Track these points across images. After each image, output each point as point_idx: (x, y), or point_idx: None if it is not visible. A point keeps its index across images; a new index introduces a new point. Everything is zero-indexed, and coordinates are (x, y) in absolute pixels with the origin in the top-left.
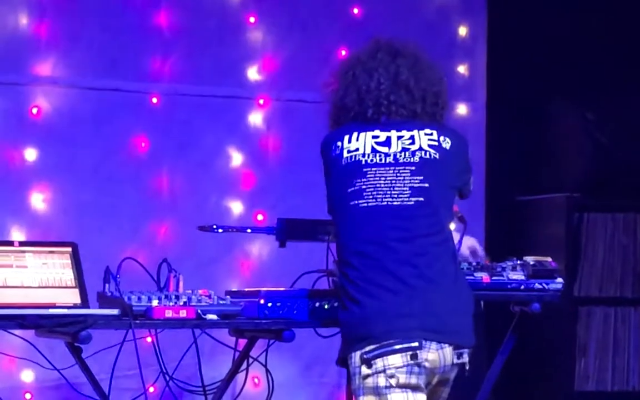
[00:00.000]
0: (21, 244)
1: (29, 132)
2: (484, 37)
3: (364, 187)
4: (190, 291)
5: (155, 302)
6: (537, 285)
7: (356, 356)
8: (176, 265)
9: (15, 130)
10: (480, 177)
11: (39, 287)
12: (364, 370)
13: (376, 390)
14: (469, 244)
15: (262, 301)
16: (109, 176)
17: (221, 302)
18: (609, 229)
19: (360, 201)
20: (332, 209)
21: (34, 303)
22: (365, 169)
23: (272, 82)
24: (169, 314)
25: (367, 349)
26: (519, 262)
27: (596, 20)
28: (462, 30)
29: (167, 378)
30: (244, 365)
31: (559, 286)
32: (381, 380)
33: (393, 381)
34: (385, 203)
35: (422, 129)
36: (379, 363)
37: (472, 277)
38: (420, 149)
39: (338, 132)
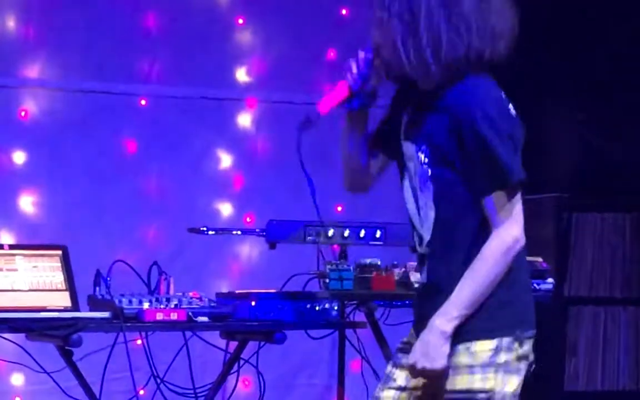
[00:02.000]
0: (11, 247)
1: (17, 134)
2: None
3: None
4: (180, 293)
5: (146, 305)
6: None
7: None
8: (166, 267)
9: (4, 133)
10: None
11: (30, 290)
12: (520, 351)
13: (519, 372)
14: None
15: (253, 303)
16: (98, 179)
17: (212, 304)
18: (598, 229)
19: None
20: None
21: (24, 306)
22: None
23: (261, 83)
24: (160, 316)
25: (529, 333)
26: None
27: (585, 20)
28: None
29: (158, 381)
30: (235, 368)
31: (550, 286)
32: (524, 365)
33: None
34: None
35: None
36: (527, 346)
37: None
38: None
39: (496, 84)
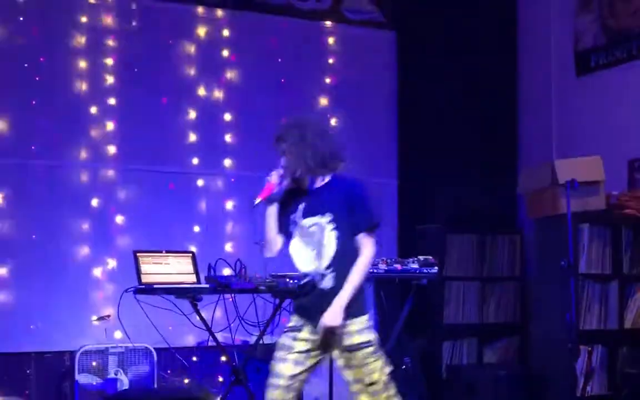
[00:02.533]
0: (166, 252)
1: None
2: (395, 130)
3: None
4: (251, 275)
5: (233, 280)
6: (424, 271)
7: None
8: (245, 261)
9: None
10: (396, 217)
11: (177, 273)
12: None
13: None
14: None
15: (287, 279)
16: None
17: (267, 279)
18: (460, 243)
19: None
20: None
21: (174, 281)
22: None
23: None
24: (240, 286)
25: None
26: (416, 258)
27: (458, 123)
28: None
29: (240, 318)
30: (279, 312)
31: (436, 271)
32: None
33: None
34: None
35: None
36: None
37: (391, 266)
38: None
39: None
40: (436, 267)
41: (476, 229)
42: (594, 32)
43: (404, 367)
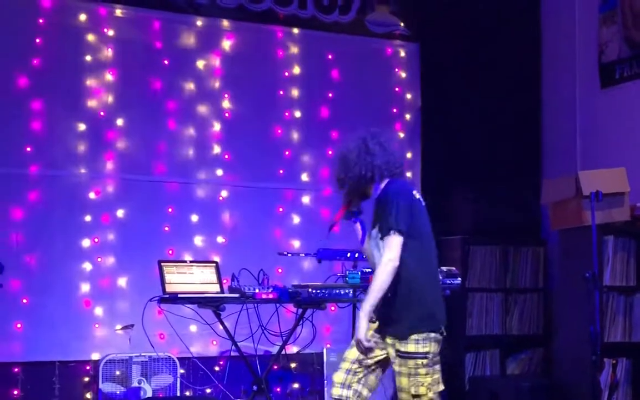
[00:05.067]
0: (190, 262)
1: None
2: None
3: None
4: (274, 285)
5: (257, 290)
6: (447, 282)
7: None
8: (267, 271)
9: None
10: None
11: (200, 283)
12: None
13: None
14: None
15: (310, 289)
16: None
17: (290, 290)
18: (483, 254)
19: None
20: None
21: (197, 291)
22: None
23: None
24: (263, 296)
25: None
26: (439, 269)
27: (480, 139)
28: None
29: (263, 328)
30: (301, 322)
31: (459, 282)
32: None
33: None
34: None
35: None
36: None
37: None
38: None
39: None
40: (459, 278)
41: (499, 240)
42: (618, 44)
43: None
